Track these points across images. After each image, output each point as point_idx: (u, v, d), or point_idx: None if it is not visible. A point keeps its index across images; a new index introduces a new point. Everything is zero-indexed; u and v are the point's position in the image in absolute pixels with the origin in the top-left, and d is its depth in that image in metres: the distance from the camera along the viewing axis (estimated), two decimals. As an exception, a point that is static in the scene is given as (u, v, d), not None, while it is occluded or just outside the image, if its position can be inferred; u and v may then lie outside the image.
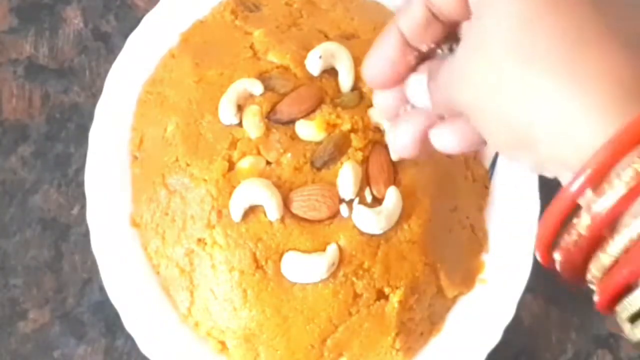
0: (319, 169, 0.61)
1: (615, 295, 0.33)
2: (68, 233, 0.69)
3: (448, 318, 0.65)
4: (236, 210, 0.59)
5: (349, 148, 0.61)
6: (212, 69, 0.64)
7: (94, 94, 0.71)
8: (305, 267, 0.59)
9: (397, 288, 0.61)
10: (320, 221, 0.60)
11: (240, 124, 0.61)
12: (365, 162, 0.61)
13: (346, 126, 0.61)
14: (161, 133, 0.64)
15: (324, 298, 0.60)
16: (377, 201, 0.60)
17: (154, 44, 0.67)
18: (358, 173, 0.60)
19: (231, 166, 0.61)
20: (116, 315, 0.63)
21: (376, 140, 0.61)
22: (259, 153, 0.61)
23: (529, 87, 0.35)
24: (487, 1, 0.37)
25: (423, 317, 0.63)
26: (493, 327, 0.64)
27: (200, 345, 0.63)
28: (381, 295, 0.61)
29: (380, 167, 0.61)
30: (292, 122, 0.61)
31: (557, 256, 0.34)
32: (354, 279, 0.60)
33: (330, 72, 0.63)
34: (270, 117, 0.61)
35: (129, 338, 0.65)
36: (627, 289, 0.33)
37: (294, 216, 0.60)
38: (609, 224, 0.32)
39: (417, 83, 0.44)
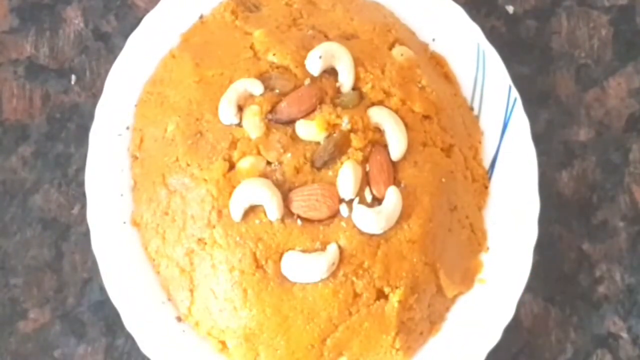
0: (319, 169, 0.61)
1: None
2: (68, 233, 0.69)
3: (447, 318, 0.65)
4: (236, 210, 0.60)
5: (349, 148, 0.61)
6: (212, 69, 0.64)
7: (94, 94, 0.71)
8: (305, 267, 0.59)
9: (397, 288, 0.61)
10: (320, 221, 0.60)
11: (240, 124, 0.61)
12: (365, 162, 0.61)
13: (346, 126, 0.61)
14: (161, 133, 0.64)
15: (324, 298, 0.60)
16: (377, 201, 0.60)
17: (154, 44, 0.67)
18: (358, 173, 0.60)
19: (231, 166, 0.61)
20: (116, 315, 0.63)
21: (376, 140, 0.62)
22: (259, 153, 0.61)
23: None
24: None
25: (423, 316, 0.63)
26: (493, 326, 0.64)
27: (200, 344, 0.63)
28: (381, 295, 0.61)
29: (380, 167, 0.61)
30: (292, 122, 0.61)
31: None
32: (353, 278, 0.60)
33: (330, 72, 0.63)
34: (270, 117, 0.61)
35: (129, 337, 0.65)
36: None
37: (294, 216, 0.60)
38: None
39: None
